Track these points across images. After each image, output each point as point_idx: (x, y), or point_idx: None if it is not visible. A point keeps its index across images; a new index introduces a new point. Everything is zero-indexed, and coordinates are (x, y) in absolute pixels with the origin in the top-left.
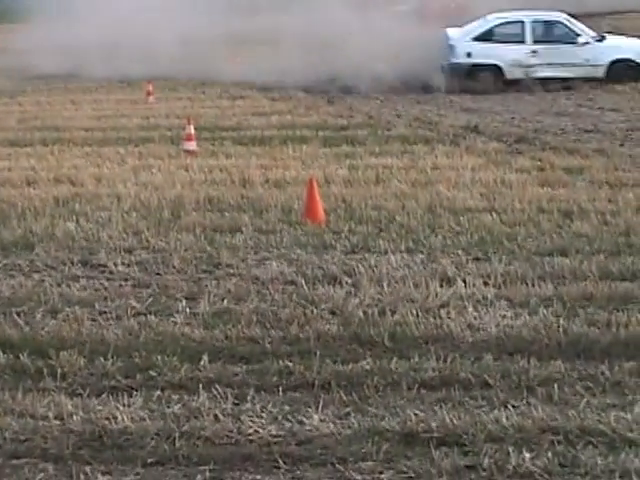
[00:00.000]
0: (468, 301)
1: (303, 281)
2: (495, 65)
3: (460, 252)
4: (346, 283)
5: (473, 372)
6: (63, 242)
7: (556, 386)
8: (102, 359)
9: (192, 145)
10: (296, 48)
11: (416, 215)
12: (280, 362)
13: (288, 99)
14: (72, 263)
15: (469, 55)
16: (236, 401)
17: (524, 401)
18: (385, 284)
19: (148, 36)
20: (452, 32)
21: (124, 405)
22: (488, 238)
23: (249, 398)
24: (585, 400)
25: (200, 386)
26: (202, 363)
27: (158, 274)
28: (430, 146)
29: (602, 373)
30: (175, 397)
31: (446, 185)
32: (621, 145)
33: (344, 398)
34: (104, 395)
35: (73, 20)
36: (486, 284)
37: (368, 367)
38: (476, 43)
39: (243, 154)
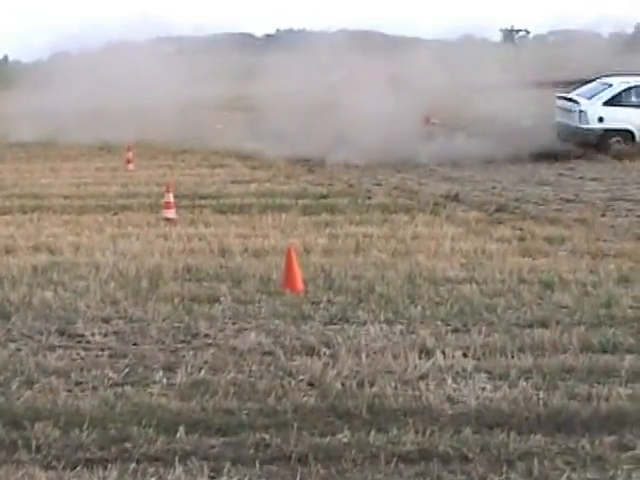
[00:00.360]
0: (447, 373)
1: (281, 352)
2: (627, 130)
3: (439, 323)
4: (324, 354)
5: (452, 445)
6: (40, 311)
7: (536, 460)
8: (77, 430)
9: (171, 213)
10: (277, 115)
11: (396, 285)
12: (257, 434)
13: (268, 167)
14: (49, 332)
15: (601, 120)
16: (212, 474)
17: (503, 475)
18: (364, 355)
19: (129, 103)
20: (578, 98)
21: (99, 478)
22: (468, 309)
23: (225, 471)
24: (566, 475)
25: (176, 458)
26: (178, 435)
27: (135, 344)
28: (410, 215)
29: (583, 447)
30: (150, 470)
31: (426, 255)
32: (602, 215)
33: (321, 472)
34: (79, 468)
35: (54, 87)
36: (465, 356)
37: (346, 440)
38: (607, 108)
39: (222, 222)
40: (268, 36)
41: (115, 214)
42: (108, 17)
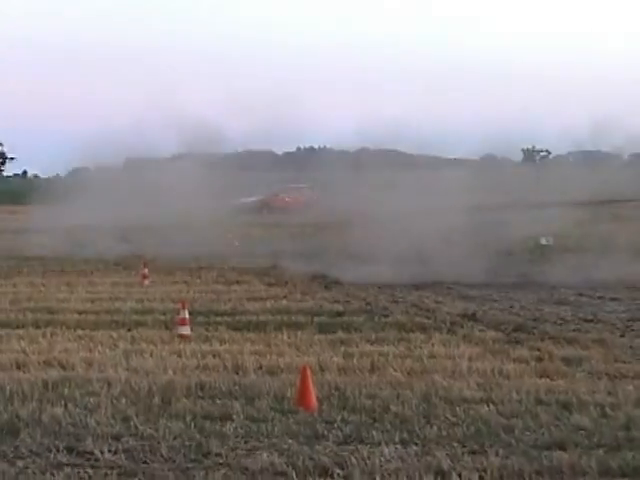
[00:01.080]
0: None
1: (294, 473)
2: None
3: (456, 444)
4: (337, 475)
5: None
6: (49, 428)
7: None
8: None
9: (186, 330)
10: (293, 231)
11: (411, 405)
12: None
13: (284, 284)
14: (57, 450)
15: None
16: None
17: None
18: (378, 477)
19: (147, 219)
20: None
21: None
22: (484, 430)
23: None
24: None
25: None
26: None
27: (145, 462)
28: (427, 334)
29: None
30: None
31: (442, 374)
32: (621, 336)
33: None
34: None
35: (72, 202)
36: (482, 478)
37: None
38: None
39: (237, 339)
40: (288, 154)
41: (129, 330)
42: (127, 133)
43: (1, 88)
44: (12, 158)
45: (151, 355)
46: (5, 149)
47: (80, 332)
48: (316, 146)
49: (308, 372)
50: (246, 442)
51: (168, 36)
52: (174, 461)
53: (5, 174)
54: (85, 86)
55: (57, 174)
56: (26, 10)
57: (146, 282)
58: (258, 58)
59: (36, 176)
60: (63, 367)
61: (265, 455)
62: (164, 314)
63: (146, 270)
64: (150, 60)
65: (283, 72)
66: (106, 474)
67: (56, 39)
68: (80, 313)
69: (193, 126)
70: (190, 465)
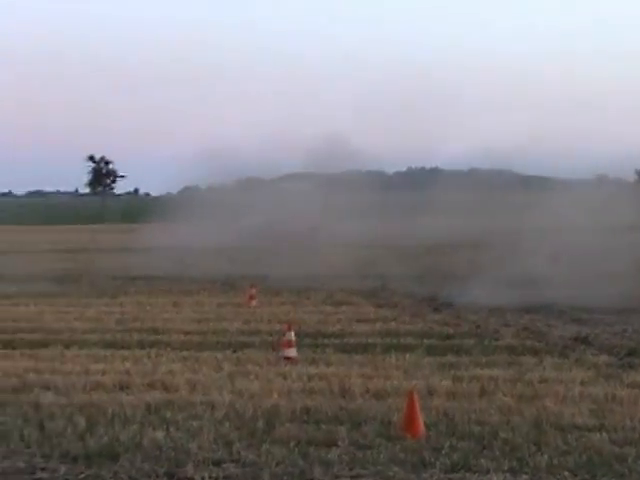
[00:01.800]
0: None
1: None
2: None
3: (567, 473)
4: None
5: None
6: (150, 452)
7: None
8: None
9: (292, 352)
10: (402, 253)
11: (521, 431)
12: None
13: (393, 306)
14: (157, 475)
15: None
16: None
17: None
18: None
19: (256, 238)
20: None
21: None
22: (596, 459)
23: None
24: None
25: None
26: None
27: None
28: (538, 358)
29: None
30: None
31: (554, 400)
32: None
33: None
34: None
35: (181, 221)
36: None
37: None
38: None
39: (344, 362)
40: (399, 174)
41: (234, 351)
42: (239, 151)
43: (113, 107)
44: (123, 176)
45: (256, 377)
46: (116, 167)
47: (185, 353)
48: (427, 166)
49: (415, 397)
50: (351, 469)
51: (282, 57)
52: None
53: (116, 192)
54: (195, 105)
55: (168, 192)
56: (142, 33)
57: (253, 303)
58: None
59: (147, 194)
60: (167, 389)
61: None
62: (270, 335)
63: (253, 290)
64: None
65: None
66: None
67: (167, 59)
68: (186, 334)
69: (314, 145)
70: None
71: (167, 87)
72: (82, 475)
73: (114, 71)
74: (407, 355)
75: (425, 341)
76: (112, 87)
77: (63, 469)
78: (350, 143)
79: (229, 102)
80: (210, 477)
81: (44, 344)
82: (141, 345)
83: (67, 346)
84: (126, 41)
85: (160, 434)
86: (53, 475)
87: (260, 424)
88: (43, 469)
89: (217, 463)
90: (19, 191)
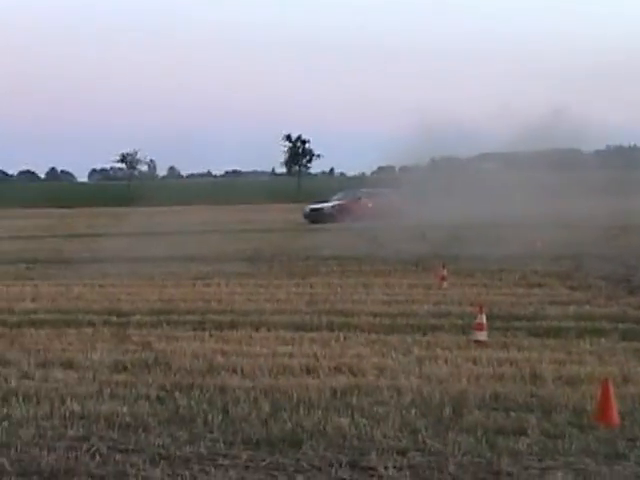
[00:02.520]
0: None
1: None
2: None
3: None
4: None
5: None
6: (334, 440)
7: None
8: None
9: (482, 335)
10: (596, 234)
11: None
12: None
13: (587, 288)
14: (340, 465)
15: None
16: None
17: None
18: None
19: (458, 218)
20: None
21: None
22: None
23: None
24: None
25: None
26: None
27: None
28: None
29: None
30: None
31: None
32: None
33: None
34: None
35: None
36: None
37: None
38: None
39: (535, 346)
40: (597, 152)
41: (424, 334)
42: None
43: (310, 86)
44: (319, 155)
45: (445, 362)
46: (312, 146)
47: (374, 336)
48: (625, 144)
49: (610, 384)
50: (540, 460)
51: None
52: None
53: (312, 171)
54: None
55: (362, 172)
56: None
57: (444, 284)
58: None
59: (342, 174)
60: (353, 373)
61: (560, 475)
62: (461, 318)
63: (445, 271)
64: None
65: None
66: None
67: (360, 40)
68: (375, 316)
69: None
70: None
71: (364, 68)
72: (264, 462)
73: (313, 53)
74: (601, 340)
75: (620, 325)
76: (311, 69)
77: (245, 456)
78: (576, 118)
79: (429, 81)
80: (394, 467)
81: (233, 325)
82: (330, 327)
83: (256, 328)
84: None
85: (344, 421)
86: (234, 462)
87: (447, 411)
88: (225, 455)
89: (402, 452)
90: (217, 171)
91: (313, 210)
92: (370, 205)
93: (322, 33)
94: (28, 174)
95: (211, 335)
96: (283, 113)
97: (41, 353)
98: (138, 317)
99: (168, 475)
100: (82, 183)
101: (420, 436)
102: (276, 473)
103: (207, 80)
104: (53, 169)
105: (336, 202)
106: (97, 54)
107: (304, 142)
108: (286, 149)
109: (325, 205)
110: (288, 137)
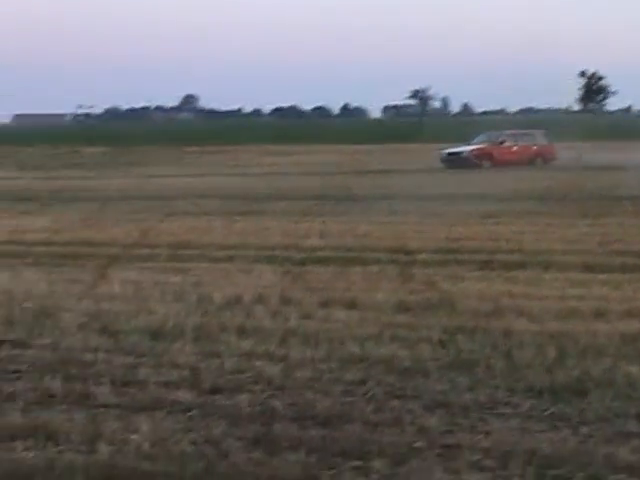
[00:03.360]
0: None
1: None
2: None
3: None
4: None
5: None
6: (622, 389)
7: None
8: None
9: None
10: None
11: None
12: None
13: None
14: (627, 416)
15: None
16: None
17: None
18: None
19: None
20: None
21: None
22: None
23: None
24: None
25: None
26: None
27: None
28: None
29: None
30: None
31: None
32: None
33: None
34: None
35: None
36: None
37: None
38: None
39: None
40: None
41: None
42: None
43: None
44: (614, 92)
45: None
46: (609, 83)
47: None
48: None
49: None
50: None
51: None
52: None
53: (608, 109)
54: None
55: None
56: None
57: None
58: None
59: None
60: None
61: None
62: None
63: None
64: None
65: None
66: None
67: None
68: None
69: None
70: None
71: None
72: (547, 412)
73: None
74: None
75: None
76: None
77: (527, 404)
78: None
79: None
80: None
81: (521, 266)
82: (622, 269)
83: (545, 268)
84: None
85: (634, 369)
86: (516, 410)
87: None
88: (506, 404)
89: None
90: (512, 108)
91: (451, 154)
92: (515, 149)
93: None
94: (322, 110)
95: (498, 275)
96: (580, 48)
97: (324, 292)
98: (424, 255)
99: (445, 423)
100: (374, 119)
101: None
102: (559, 424)
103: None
104: (346, 106)
105: (475, 146)
106: None
107: (600, 78)
108: (581, 86)
109: (464, 149)
110: (583, 73)
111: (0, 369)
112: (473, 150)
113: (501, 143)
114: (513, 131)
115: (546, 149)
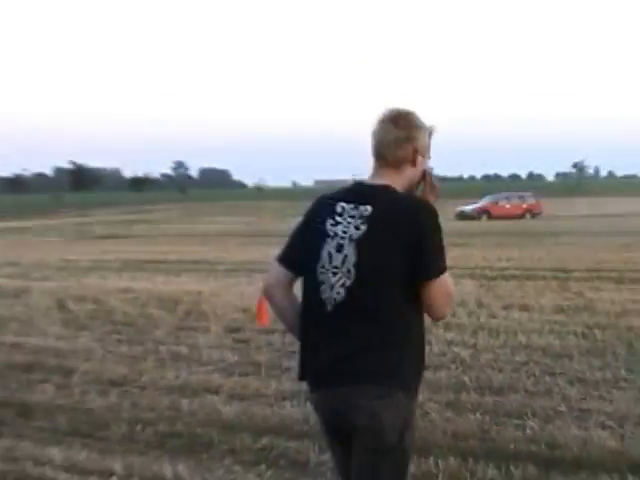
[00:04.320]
0: None
1: None
2: None
3: None
4: None
5: None
6: None
7: None
8: None
9: None
10: None
11: None
12: None
13: None
14: None
15: None
16: None
17: None
18: None
19: None
20: None
21: None
22: None
23: None
24: None
25: None
26: None
27: None
28: None
29: None
30: None
31: None
32: None
33: None
34: None
35: None
36: None
37: None
38: None
39: None
40: None
41: None
42: None
43: None
44: None
45: None
46: None
47: None
48: None
49: None
50: None
51: None
52: None
53: None
54: None
55: None
56: None
57: None
58: None
59: None
60: None
61: None
62: None
63: None
64: None
65: None
66: None
67: None
68: None
69: None
70: None
71: None
72: None
73: None
74: None
75: None
76: None
77: (639, 381)
78: None
79: None
80: None
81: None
82: None
83: None
84: None
85: None
86: (632, 385)
87: None
88: (625, 380)
89: None
90: None
91: (461, 211)
92: (508, 207)
93: None
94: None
95: (629, 289)
96: None
97: (506, 298)
98: (577, 274)
99: (581, 393)
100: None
101: None
102: None
103: None
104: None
105: (477, 205)
106: None
107: None
108: None
109: (467, 208)
110: None
111: None
112: (474, 208)
113: (496, 203)
114: (506, 194)
115: (534, 206)
